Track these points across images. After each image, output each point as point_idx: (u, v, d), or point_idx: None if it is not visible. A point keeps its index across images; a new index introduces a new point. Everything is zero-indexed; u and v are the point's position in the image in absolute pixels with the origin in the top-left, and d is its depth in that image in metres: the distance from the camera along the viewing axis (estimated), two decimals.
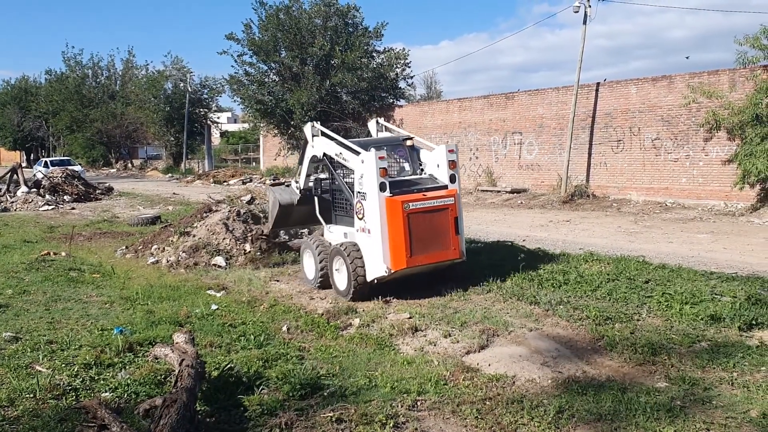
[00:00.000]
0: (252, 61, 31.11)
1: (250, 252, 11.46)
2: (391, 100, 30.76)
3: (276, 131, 31.70)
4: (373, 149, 8.44)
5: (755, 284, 8.41)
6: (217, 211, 12.87)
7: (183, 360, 5.38)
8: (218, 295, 9.26)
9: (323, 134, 9.70)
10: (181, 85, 48.21)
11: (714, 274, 9.29)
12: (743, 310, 7.21)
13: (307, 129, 9.81)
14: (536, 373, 5.92)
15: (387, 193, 8.21)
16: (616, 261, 10.16)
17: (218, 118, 52.92)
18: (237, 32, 32.25)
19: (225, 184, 33.17)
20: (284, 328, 7.43)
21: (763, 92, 16.20)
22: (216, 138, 57.37)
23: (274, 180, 25.66)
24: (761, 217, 16.13)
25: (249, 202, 13.23)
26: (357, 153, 8.68)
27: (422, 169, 9.30)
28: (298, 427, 4.82)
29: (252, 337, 6.97)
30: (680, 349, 6.30)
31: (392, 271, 8.18)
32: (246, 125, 56.21)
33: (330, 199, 9.57)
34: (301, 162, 10.27)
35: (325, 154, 9.40)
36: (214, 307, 8.35)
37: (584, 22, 21.84)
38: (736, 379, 5.56)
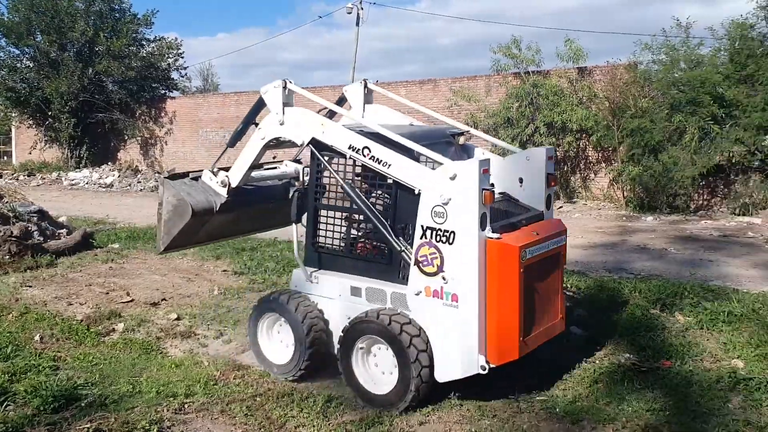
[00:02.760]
0: (0, 44, 27.95)
1: None
2: (164, 91, 29.40)
3: (31, 122, 28.76)
4: (476, 158, 5.52)
5: None
6: None
7: None
8: None
9: (330, 114, 6.01)
10: None
11: None
12: None
13: (274, 92, 5.63)
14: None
15: (490, 233, 4.84)
16: None
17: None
18: None
19: None
20: (37, 338, 6.76)
21: (514, 98, 17.94)
22: None
23: (170, 173, 20.84)
24: None
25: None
26: (432, 164, 5.16)
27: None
28: None
29: None
30: None
31: (491, 368, 4.84)
32: None
33: (326, 226, 5.65)
34: (233, 144, 6.23)
35: (319, 145, 5.42)
36: None
37: (357, 24, 22.63)
38: None
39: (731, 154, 14.99)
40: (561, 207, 17.03)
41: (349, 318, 5.27)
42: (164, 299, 8.20)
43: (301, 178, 5.99)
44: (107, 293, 8.41)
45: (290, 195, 6.01)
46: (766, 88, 14.83)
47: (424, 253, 4.91)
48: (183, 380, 5.56)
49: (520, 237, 4.97)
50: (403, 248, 5.07)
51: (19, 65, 28.10)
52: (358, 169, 5.53)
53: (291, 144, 5.81)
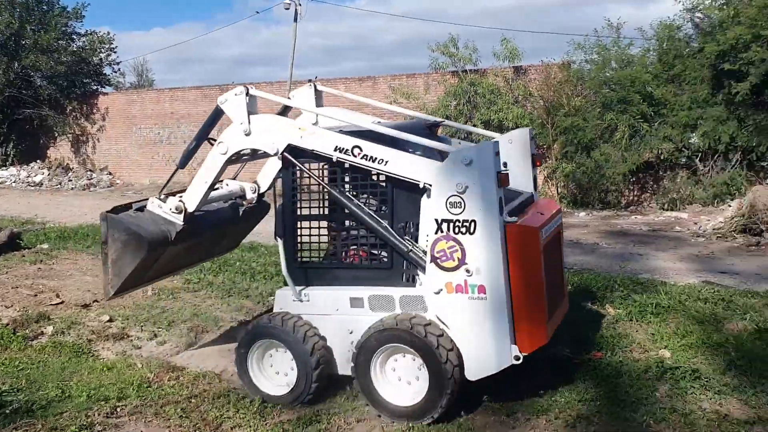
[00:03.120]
0: None
1: None
2: (96, 87, 28.51)
3: None
4: (485, 142, 5.25)
5: None
6: None
7: None
8: None
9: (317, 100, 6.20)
10: None
11: None
12: None
13: (235, 101, 5.20)
14: None
15: (507, 217, 4.69)
16: None
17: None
18: None
19: None
20: None
21: (452, 95, 18.11)
22: None
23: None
24: None
25: None
26: (432, 153, 5.04)
27: None
28: None
29: None
30: None
31: (522, 357, 4.68)
32: None
33: (310, 239, 5.32)
34: (184, 164, 5.62)
35: (295, 152, 5.09)
36: None
37: (295, 20, 22.45)
38: None
39: (660, 152, 15.54)
40: None
41: (351, 332, 4.93)
42: (96, 301, 7.97)
43: (248, 196, 5.66)
44: (35, 295, 8.12)
45: (276, 209, 5.34)
46: (692, 88, 15.41)
47: (441, 248, 4.65)
48: (115, 383, 5.42)
49: (533, 219, 4.92)
50: (410, 248, 4.82)
51: None
52: (333, 174, 5.21)
53: (250, 157, 5.68)
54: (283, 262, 5.18)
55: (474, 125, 17.47)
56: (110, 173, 25.69)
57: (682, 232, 12.74)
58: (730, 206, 13.40)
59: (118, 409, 4.98)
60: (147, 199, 5.42)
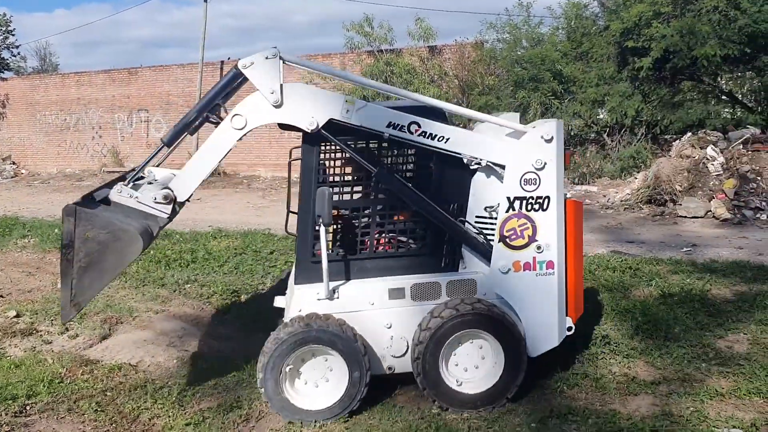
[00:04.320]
0: None
1: None
2: None
3: None
4: (549, 119, 4.87)
5: None
6: None
7: None
8: None
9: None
10: None
11: None
12: None
13: (265, 65, 4.39)
14: (162, 355, 5.79)
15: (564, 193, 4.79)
16: (243, 235, 10.47)
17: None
18: None
19: None
20: None
21: (368, 75, 18.07)
22: None
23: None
24: None
25: None
26: (508, 132, 4.73)
27: None
28: None
29: None
30: None
31: (572, 329, 4.84)
32: None
33: (340, 228, 4.96)
34: (172, 141, 4.63)
35: (334, 129, 4.49)
36: None
37: (205, 0, 21.86)
38: None
39: (570, 128, 16.03)
40: None
41: (389, 326, 4.61)
42: (1, 296, 7.60)
43: None
44: None
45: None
46: (599, 65, 15.96)
47: (512, 226, 4.61)
48: (24, 381, 5.16)
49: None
50: (477, 231, 4.73)
51: None
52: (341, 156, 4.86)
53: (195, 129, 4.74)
54: (324, 256, 4.47)
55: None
56: (14, 163, 24.48)
57: (592, 204, 13.22)
58: (636, 179, 14.01)
59: (28, 407, 4.76)
60: (103, 189, 4.49)
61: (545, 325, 4.72)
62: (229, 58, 22.04)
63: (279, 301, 5.32)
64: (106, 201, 4.37)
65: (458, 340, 4.56)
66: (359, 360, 4.39)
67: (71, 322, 6.47)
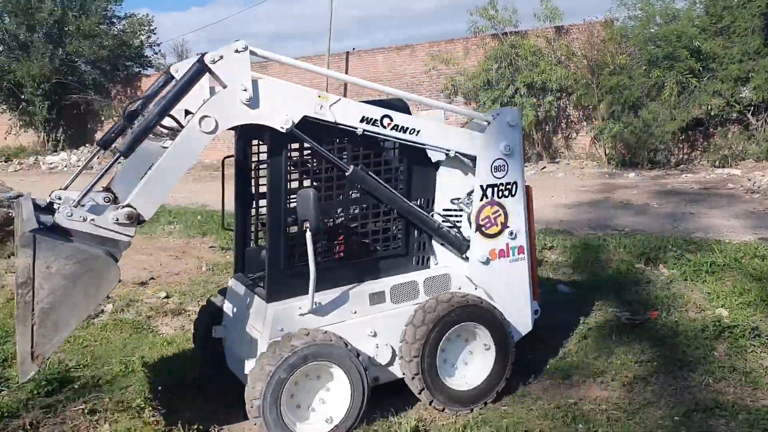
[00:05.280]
0: None
1: None
2: (138, 70, 28.96)
3: (5, 107, 28.28)
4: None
5: None
6: None
7: None
8: None
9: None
10: None
11: None
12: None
13: (235, 59, 3.89)
14: None
15: None
16: None
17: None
18: None
19: None
20: None
21: (492, 59, 17.85)
22: None
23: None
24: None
25: None
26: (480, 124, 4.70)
27: None
28: (46, 424, 4.44)
29: None
30: None
31: (539, 311, 5.03)
32: None
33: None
34: (129, 150, 3.87)
35: (304, 127, 4.09)
36: None
37: None
38: None
39: (710, 107, 15.06)
40: (544, 167, 17.11)
41: (373, 334, 4.36)
42: (152, 278, 8.17)
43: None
44: None
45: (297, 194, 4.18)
46: (742, 40, 14.85)
47: (486, 214, 4.61)
48: (175, 356, 5.57)
49: None
50: (451, 224, 4.66)
51: None
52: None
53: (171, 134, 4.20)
54: (312, 268, 4.04)
55: (516, 89, 17.25)
56: None
57: (735, 188, 12.42)
58: None
59: (179, 382, 5.11)
60: (33, 215, 3.60)
61: (520, 310, 4.78)
62: (354, 49, 22.46)
63: (219, 332, 4.78)
64: (51, 228, 3.51)
65: (452, 335, 4.40)
66: (362, 377, 4.08)
67: None
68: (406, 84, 20.62)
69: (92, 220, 3.56)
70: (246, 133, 4.58)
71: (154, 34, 29.24)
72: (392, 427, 4.22)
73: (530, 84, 17.13)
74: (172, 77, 4.17)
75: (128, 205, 3.64)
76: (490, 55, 18.01)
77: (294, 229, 4.32)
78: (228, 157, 4.90)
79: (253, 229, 4.92)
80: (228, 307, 4.87)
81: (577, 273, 7.21)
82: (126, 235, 3.62)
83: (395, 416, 4.36)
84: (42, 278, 3.30)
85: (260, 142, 4.57)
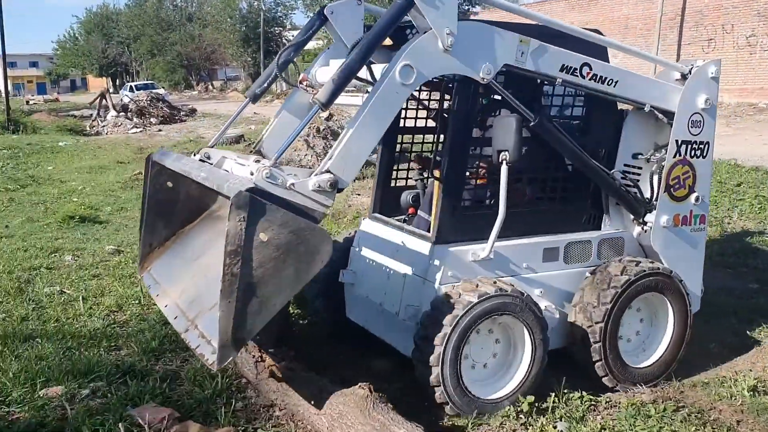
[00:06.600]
0: None
1: None
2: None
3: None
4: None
5: None
6: None
7: None
8: None
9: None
10: (255, 3, 48.38)
11: None
12: None
13: None
14: None
15: None
16: None
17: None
18: None
19: None
20: None
21: None
22: None
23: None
24: None
25: (327, 119, 13.14)
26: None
27: None
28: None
29: None
30: None
31: (703, 291, 4.62)
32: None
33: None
34: (330, 101, 3.24)
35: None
36: None
37: None
38: None
39: None
40: None
41: (540, 293, 3.95)
42: None
43: None
44: None
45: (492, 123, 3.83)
46: None
47: (676, 174, 4.14)
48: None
49: None
50: (631, 183, 4.19)
51: None
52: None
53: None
54: (502, 206, 3.66)
55: None
56: None
57: None
58: None
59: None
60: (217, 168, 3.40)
61: (694, 287, 4.30)
62: None
63: (347, 276, 4.40)
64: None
65: (634, 305, 4.02)
66: (543, 335, 3.71)
67: None
68: (758, 12, 18.76)
69: (292, 185, 3.04)
70: None
71: None
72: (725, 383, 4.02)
73: None
74: (326, 19, 3.72)
75: (327, 171, 3.15)
76: None
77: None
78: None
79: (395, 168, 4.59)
80: (361, 251, 4.38)
81: None
82: (324, 204, 3.11)
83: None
84: (253, 247, 2.82)
85: None
